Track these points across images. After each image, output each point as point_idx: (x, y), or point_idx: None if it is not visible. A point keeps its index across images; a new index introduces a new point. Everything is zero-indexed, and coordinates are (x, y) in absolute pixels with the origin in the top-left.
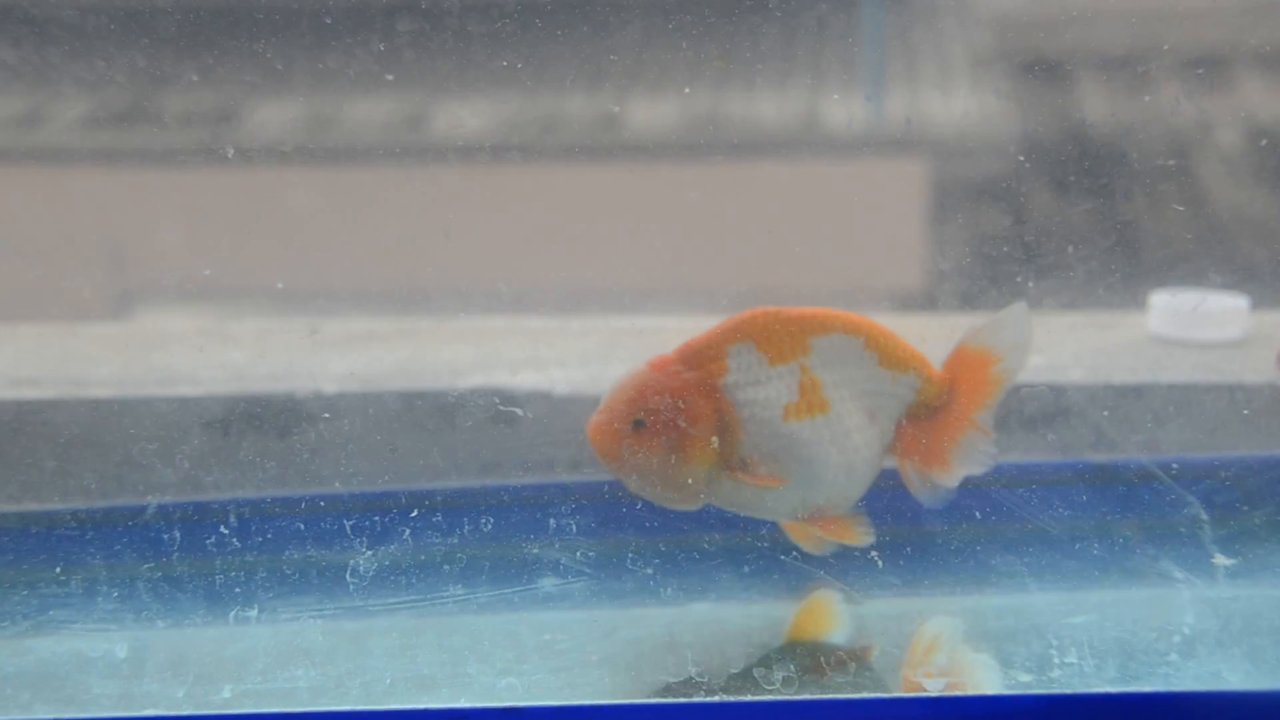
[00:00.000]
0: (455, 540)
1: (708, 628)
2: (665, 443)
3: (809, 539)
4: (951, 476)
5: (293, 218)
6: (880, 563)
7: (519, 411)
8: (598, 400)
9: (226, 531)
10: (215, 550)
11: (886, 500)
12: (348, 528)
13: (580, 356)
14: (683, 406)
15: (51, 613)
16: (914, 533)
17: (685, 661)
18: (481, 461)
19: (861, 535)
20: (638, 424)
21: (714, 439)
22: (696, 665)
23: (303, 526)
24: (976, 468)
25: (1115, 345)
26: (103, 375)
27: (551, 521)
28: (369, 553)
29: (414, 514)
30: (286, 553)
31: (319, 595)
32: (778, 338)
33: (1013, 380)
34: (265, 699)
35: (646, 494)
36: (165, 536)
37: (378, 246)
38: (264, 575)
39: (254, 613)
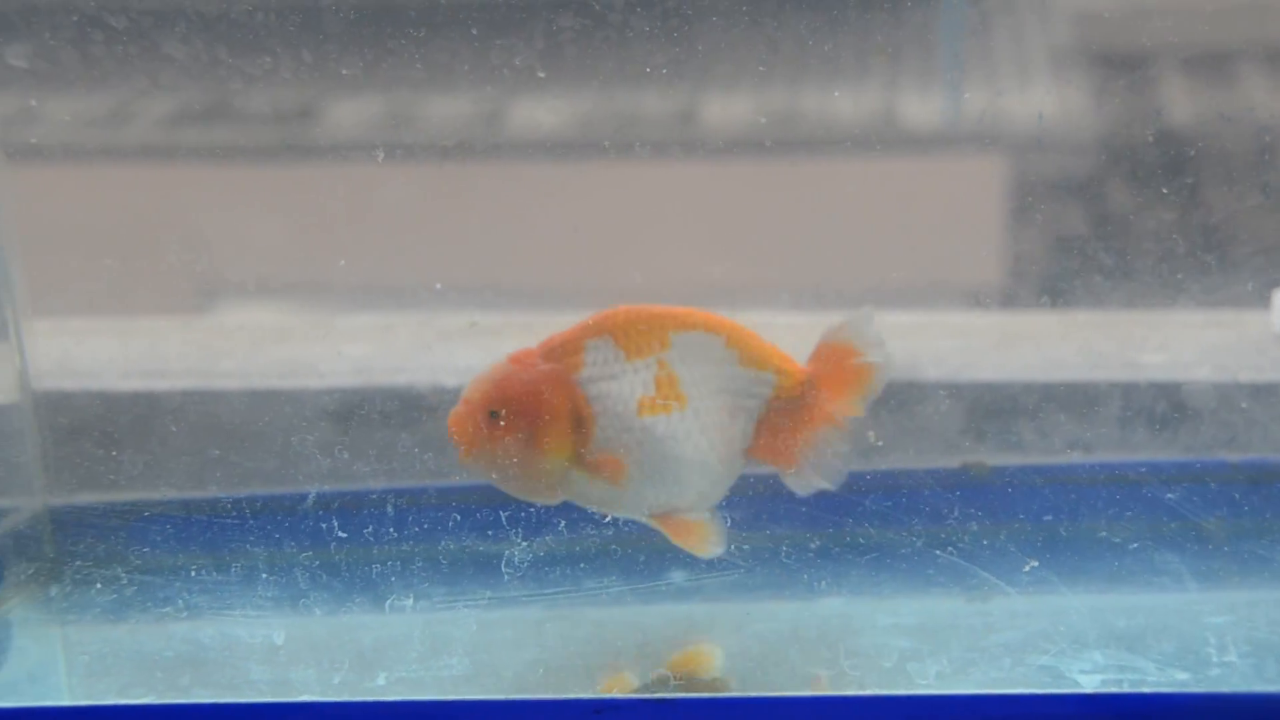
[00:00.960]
0: (610, 533)
1: (833, 621)
2: (520, 435)
3: (695, 541)
4: (817, 470)
5: (409, 213)
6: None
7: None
8: None
9: (384, 521)
10: (372, 539)
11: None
12: (503, 518)
13: None
14: (537, 399)
15: (211, 599)
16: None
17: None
18: None
19: (709, 545)
20: (493, 416)
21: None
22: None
23: (459, 517)
24: (838, 462)
25: (1238, 344)
26: (239, 367)
27: None
28: (524, 543)
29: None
30: (442, 543)
31: (474, 584)
32: (636, 333)
33: (882, 375)
34: (419, 686)
35: (505, 487)
36: (323, 525)
37: (504, 243)
38: (420, 564)
39: (409, 601)
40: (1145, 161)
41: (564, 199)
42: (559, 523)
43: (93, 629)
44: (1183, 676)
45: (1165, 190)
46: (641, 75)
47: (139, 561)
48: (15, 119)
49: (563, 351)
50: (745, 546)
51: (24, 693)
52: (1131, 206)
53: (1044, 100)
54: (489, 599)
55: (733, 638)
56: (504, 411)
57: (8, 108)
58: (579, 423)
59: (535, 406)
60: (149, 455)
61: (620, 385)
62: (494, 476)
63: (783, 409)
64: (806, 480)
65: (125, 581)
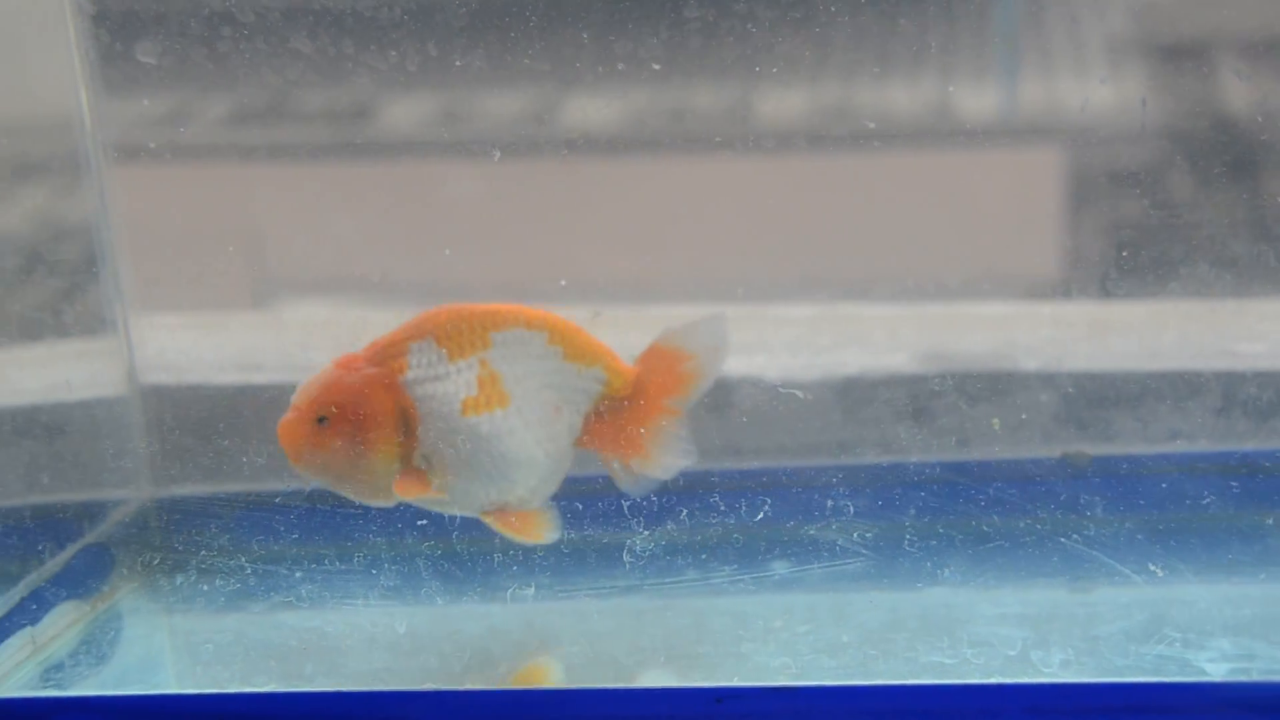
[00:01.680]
0: (732, 521)
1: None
2: (347, 439)
3: (529, 530)
4: (645, 465)
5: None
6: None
7: (799, 394)
8: (808, 386)
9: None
10: (492, 530)
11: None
12: (625, 508)
13: (787, 343)
14: (364, 403)
15: (335, 589)
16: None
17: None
18: (756, 445)
19: (545, 532)
20: (321, 421)
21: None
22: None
23: (580, 506)
24: (671, 458)
25: None
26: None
27: (829, 503)
28: (645, 533)
29: (693, 497)
30: (565, 533)
31: (595, 574)
32: (458, 334)
33: (707, 380)
34: (538, 676)
35: (339, 490)
36: (445, 516)
37: (584, 235)
38: (541, 554)
39: (530, 591)
40: (1216, 149)
41: (627, 193)
42: (681, 512)
43: (212, 619)
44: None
45: (1241, 177)
46: (694, 70)
47: (262, 552)
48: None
49: (387, 354)
50: (868, 535)
51: (146, 681)
52: (1210, 196)
53: (1098, 91)
54: (610, 588)
55: (848, 624)
56: (331, 416)
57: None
58: (406, 425)
59: (361, 410)
60: (265, 448)
61: (445, 386)
62: (327, 480)
63: (613, 406)
64: (634, 476)
65: (249, 572)
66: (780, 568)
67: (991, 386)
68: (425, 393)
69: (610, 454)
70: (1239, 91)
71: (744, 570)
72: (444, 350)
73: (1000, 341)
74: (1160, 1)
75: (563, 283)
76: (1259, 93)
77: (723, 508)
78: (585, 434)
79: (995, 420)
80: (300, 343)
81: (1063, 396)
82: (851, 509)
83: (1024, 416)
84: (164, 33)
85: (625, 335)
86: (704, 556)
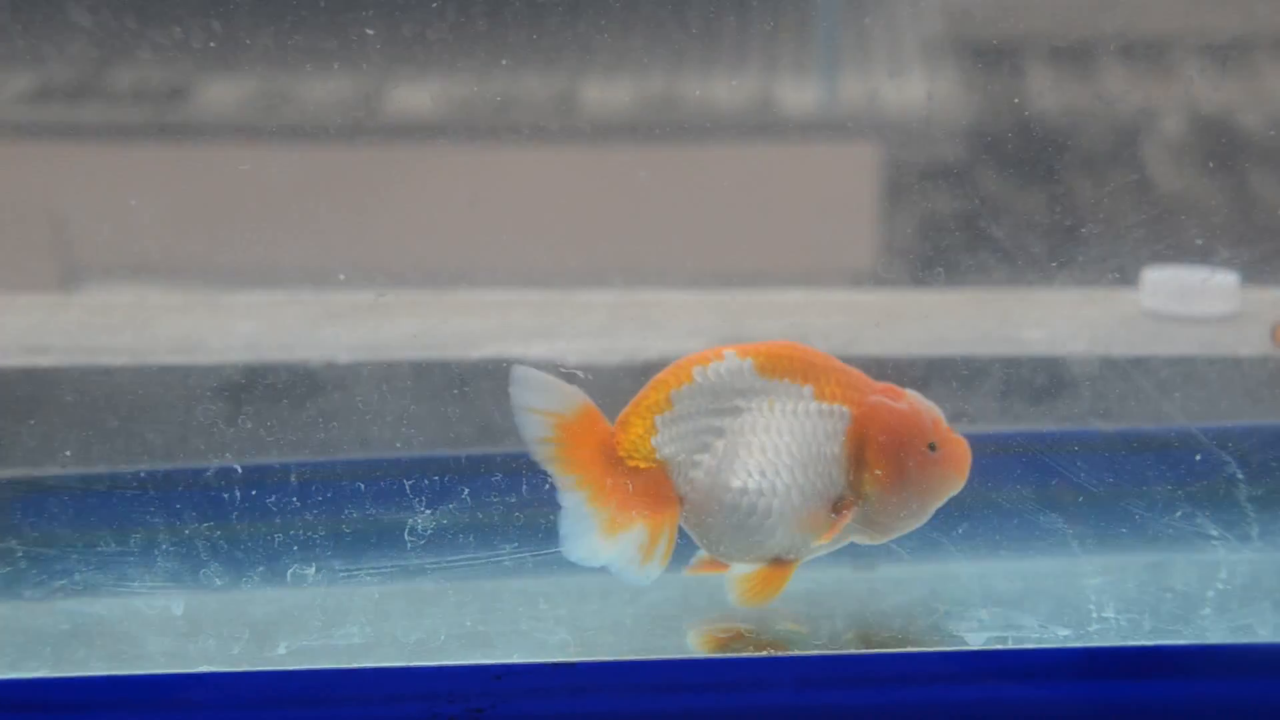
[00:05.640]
0: (513, 500)
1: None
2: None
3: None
4: None
5: (314, 193)
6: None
7: (580, 374)
8: (605, 371)
9: (286, 492)
10: (275, 510)
11: None
12: (406, 488)
13: (587, 329)
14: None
15: (111, 573)
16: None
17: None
18: None
19: None
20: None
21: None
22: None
23: (362, 487)
24: None
25: (1109, 320)
26: (128, 343)
27: None
28: (427, 513)
29: (474, 476)
30: (345, 513)
31: (376, 555)
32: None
33: None
34: (320, 656)
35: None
36: (225, 497)
37: (392, 221)
38: (322, 535)
39: (311, 571)
40: (1017, 148)
41: (444, 181)
42: (463, 491)
43: None
44: (1064, 633)
45: (1038, 175)
46: (520, 59)
47: (35, 535)
48: None
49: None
50: None
51: None
52: (1007, 191)
53: (919, 89)
54: (391, 568)
55: (633, 602)
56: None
57: None
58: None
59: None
60: (41, 430)
61: None
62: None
63: None
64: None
65: (20, 555)
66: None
67: None
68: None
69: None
70: (1043, 93)
71: (525, 549)
72: None
73: (794, 328)
74: (973, 5)
75: (341, 277)
76: (1061, 95)
77: (504, 487)
78: None
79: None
80: (91, 326)
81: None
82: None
83: None
84: None
85: (427, 320)
86: (486, 536)
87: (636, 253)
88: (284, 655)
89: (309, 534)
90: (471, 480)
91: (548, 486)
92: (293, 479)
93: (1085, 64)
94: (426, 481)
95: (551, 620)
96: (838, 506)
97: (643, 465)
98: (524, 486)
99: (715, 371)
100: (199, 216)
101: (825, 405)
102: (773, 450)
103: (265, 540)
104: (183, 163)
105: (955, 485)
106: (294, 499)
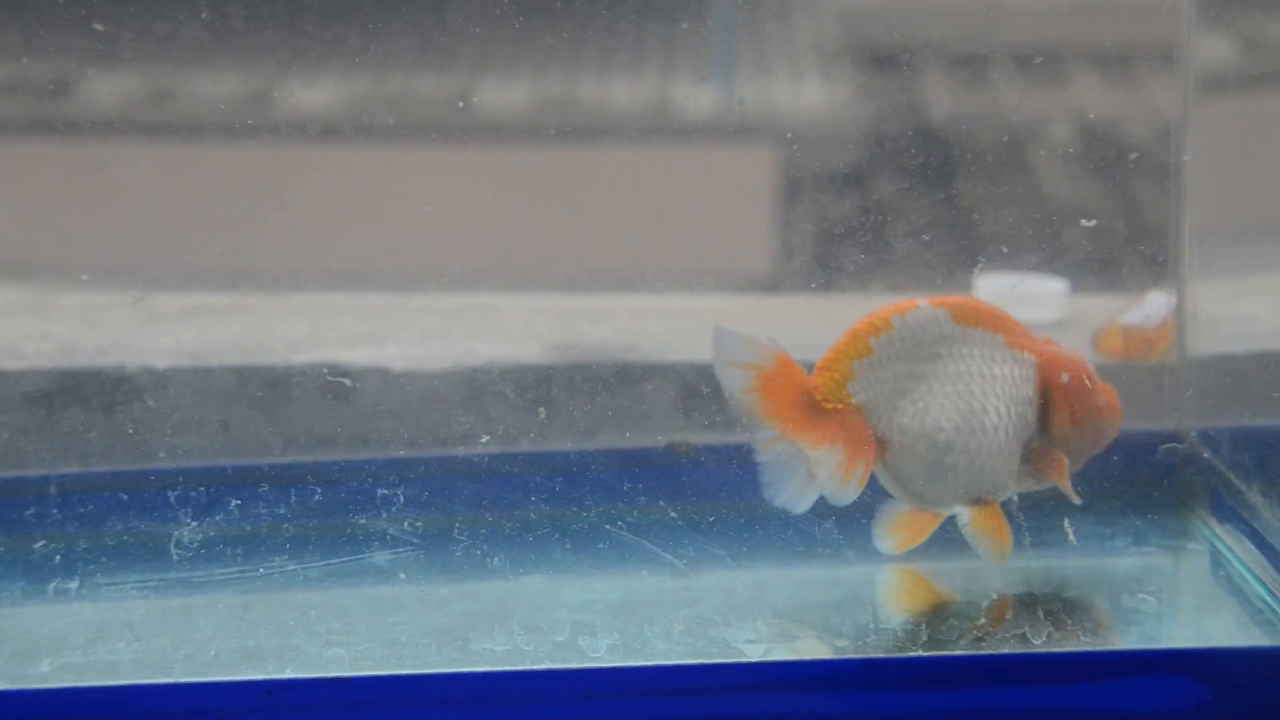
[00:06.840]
0: (283, 512)
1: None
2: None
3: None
4: None
5: (128, 191)
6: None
7: (347, 382)
8: (434, 376)
9: (46, 504)
10: (35, 523)
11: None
12: (172, 499)
13: (418, 334)
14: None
15: None
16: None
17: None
18: (316, 436)
19: None
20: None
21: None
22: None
23: (126, 498)
24: None
25: None
26: None
27: (379, 493)
28: (193, 524)
29: (242, 487)
30: (109, 525)
31: (142, 568)
32: None
33: None
34: (85, 672)
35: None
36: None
37: (211, 221)
38: (85, 547)
39: (74, 585)
40: (879, 154)
41: (327, 181)
42: (230, 503)
43: None
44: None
45: (885, 182)
46: (416, 60)
47: None
48: None
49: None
50: (418, 525)
51: None
52: (891, 197)
53: (811, 94)
54: (158, 581)
55: (402, 614)
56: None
57: None
58: None
59: None
60: None
61: None
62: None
63: None
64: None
65: None
66: (334, 558)
67: (618, 377)
68: None
69: None
70: (938, 99)
71: (295, 561)
72: None
73: (632, 334)
74: (869, 10)
75: (85, 277)
76: (957, 102)
77: (272, 498)
78: None
79: (541, 410)
80: None
81: (684, 387)
82: (402, 498)
83: (644, 407)
84: None
85: (275, 324)
86: (254, 548)
87: (485, 257)
88: (47, 673)
89: (70, 546)
90: (239, 491)
91: (317, 497)
92: (52, 490)
93: (976, 72)
94: (193, 493)
95: (325, 634)
96: (1027, 448)
97: (840, 408)
98: (293, 498)
99: (914, 319)
100: (22, 215)
101: (1017, 352)
102: (980, 394)
103: (22, 553)
104: (60, 158)
105: (1119, 425)
106: (54, 510)
